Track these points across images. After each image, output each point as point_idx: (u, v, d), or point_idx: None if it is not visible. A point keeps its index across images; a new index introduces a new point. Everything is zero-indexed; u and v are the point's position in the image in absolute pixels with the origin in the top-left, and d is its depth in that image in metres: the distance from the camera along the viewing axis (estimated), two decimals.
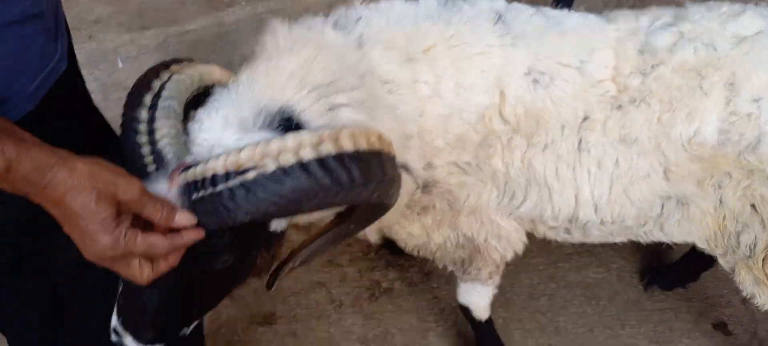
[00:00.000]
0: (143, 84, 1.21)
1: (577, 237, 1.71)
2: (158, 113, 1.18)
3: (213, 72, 1.33)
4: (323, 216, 1.30)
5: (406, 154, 1.40)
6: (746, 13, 1.48)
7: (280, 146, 0.98)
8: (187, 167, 1.05)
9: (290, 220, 1.27)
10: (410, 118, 1.40)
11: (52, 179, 0.87)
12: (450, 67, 1.42)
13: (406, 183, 1.44)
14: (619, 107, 1.47)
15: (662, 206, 1.58)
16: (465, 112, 1.44)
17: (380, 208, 1.18)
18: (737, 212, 1.53)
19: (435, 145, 1.44)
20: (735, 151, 1.44)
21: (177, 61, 1.29)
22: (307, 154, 0.98)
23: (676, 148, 1.47)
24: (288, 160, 0.98)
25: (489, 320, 2.13)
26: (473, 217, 1.65)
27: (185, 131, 1.21)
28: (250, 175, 0.98)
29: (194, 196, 1.02)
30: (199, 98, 1.29)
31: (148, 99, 1.19)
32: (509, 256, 1.79)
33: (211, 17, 2.83)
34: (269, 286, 1.35)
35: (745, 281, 1.68)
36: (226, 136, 1.15)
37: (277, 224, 1.23)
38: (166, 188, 1.05)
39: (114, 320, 1.20)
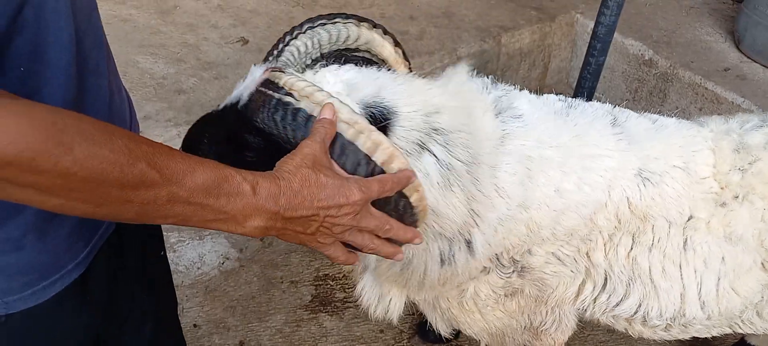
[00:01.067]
0: (319, 17, 1.39)
1: (674, 333, 1.72)
2: (305, 32, 1.35)
3: (384, 47, 1.43)
4: None
5: (476, 232, 1.38)
6: None
7: (322, 98, 1.07)
8: (277, 70, 1.15)
9: None
10: (518, 205, 1.42)
11: (283, 176, 0.93)
12: (576, 165, 1.47)
13: (468, 261, 1.44)
14: (723, 205, 1.52)
15: (762, 295, 1.60)
16: (584, 207, 1.47)
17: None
18: None
19: (541, 235, 1.49)
20: None
21: (368, 21, 1.42)
22: (346, 132, 1.04)
23: None
24: (311, 109, 1.06)
25: None
26: (557, 308, 1.68)
27: (314, 65, 1.32)
28: (299, 104, 1.07)
29: (262, 89, 1.12)
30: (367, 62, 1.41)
31: (310, 24, 1.36)
32: (558, 343, 1.82)
33: None
34: None
35: None
36: (332, 83, 1.21)
37: None
38: (256, 73, 1.17)
39: None
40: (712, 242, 1.53)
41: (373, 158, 1.05)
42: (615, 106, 1.62)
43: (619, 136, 1.52)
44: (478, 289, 1.59)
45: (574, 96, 2.53)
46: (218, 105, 1.26)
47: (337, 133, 1.04)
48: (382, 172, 1.06)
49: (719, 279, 1.55)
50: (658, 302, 1.58)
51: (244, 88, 1.18)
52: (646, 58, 3.78)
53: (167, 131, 2.75)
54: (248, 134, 1.16)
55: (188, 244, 2.92)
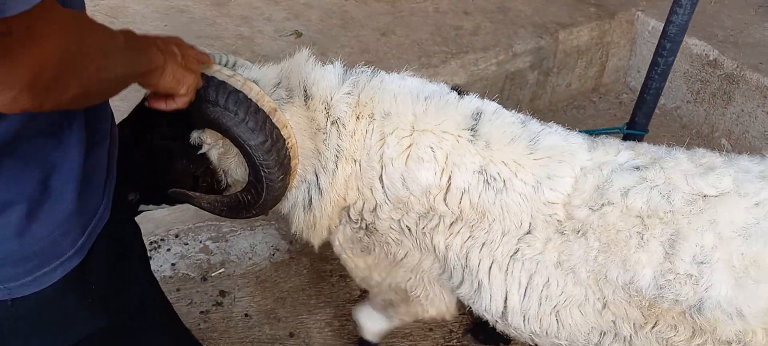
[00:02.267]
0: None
1: (513, 334, 1.71)
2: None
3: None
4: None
5: (321, 173, 1.62)
6: (717, 170, 1.40)
7: (223, 69, 1.42)
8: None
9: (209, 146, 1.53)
10: (348, 155, 1.60)
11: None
12: (407, 136, 1.54)
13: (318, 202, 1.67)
14: (562, 233, 1.46)
15: (600, 337, 1.53)
16: (408, 180, 1.54)
17: (254, 161, 1.44)
18: None
19: (375, 197, 1.60)
20: (678, 308, 1.36)
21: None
22: (228, 79, 1.39)
23: (615, 288, 1.42)
24: (225, 78, 1.39)
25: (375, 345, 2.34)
26: (412, 274, 1.75)
27: None
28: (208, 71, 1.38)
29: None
30: None
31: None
32: (429, 315, 1.92)
33: None
34: (172, 199, 1.59)
35: None
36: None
37: (195, 138, 1.50)
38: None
39: None
40: (541, 262, 1.49)
41: (250, 96, 1.40)
42: (516, 112, 1.64)
43: (467, 127, 1.54)
44: (340, 237, 1.77)
45: (639, 97, 2.44)
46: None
47: (222, 82, 1.38)
48: (257, 108, 1.40)
49: (541, 301, 1.52)
50: (481, 298, 1.60)
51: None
52: (711, 58, 3.63)
53: None
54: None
55: (240, 234, 2.95)
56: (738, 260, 1.30)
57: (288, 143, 1.46)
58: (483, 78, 3.40)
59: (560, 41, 3.60)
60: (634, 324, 1.46)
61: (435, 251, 1.62)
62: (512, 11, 3.74)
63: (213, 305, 2.63)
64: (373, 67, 1.71)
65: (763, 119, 3.46)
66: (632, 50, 4.04)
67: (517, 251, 1.51)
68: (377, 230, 1.66)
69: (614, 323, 1.48)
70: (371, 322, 2.19)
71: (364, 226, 1.67)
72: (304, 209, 1.68)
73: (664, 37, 2.21)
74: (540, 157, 1.51)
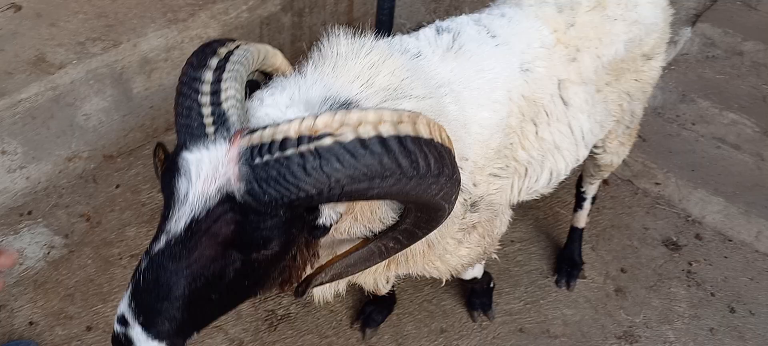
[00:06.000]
0: (208, 49, 1.14)
1: (553, 184, 1.94)
2: (226, 75, 1.10)
3: (276, 56, 1.31)
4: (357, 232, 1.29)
5: (462, 176, 1.41)
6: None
7: (360, 117, 0.95)
8: (252, 131, 0.98)
9: (344, 213, 1.22)
10: (467, 145, 1.48)
11: None
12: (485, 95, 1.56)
13: (457, 208, 1.46)
14: (574, 60, 1.78)
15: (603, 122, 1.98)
16: (498, 126, 1.58)
17: (437, 214, 1.16)
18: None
19: (479, 166, 1.54)
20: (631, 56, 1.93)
21: (233, 40, 1.22)
22: (387, 130, 0.95)
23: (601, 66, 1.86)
24: (368, 132, 0.94)
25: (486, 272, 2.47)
26: (501, 217, 1.84)
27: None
28: (326, 141, 0.93)
29: (257, 160, 0.95)
30: (254, 84, 1.27)
31: (213, 62, 1.11)
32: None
33: (43, 82, 2.69)
34: (299, 294, 1.28)
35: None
36: (289, 113, 1.12)
37: (327, 215, 1.17)
38: (226, 149, 1.00)
39: (123, 305, 1.05)
40: (578, 91, 1.80)
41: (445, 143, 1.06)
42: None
43: (496, 43, 1.65)
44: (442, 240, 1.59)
45: (377, 20, 2.65)
46: (164, 237, 1.03)
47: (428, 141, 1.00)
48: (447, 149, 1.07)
49: (588, 116, 1.86)
50: (564, 160, 1.85)
51: (213, 181, 1.00)
52: None
53: None
54: (262, 220, 1.02)
55: (1, 242, 2.63)
56: None
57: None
58: (238, 26, 3.38)
59: None
60: (604, 84, 1.87)
61: (517, 167, 1.71)
62: None
63: None
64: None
65: None
66: None
67: (562, 98, 1.76)
68: (482, 197, 1.59)
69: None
70: (477, 269, 2.27)
71: (468, 206, 1.56)
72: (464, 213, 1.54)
73: None
74: (525, 29, 1.72)
